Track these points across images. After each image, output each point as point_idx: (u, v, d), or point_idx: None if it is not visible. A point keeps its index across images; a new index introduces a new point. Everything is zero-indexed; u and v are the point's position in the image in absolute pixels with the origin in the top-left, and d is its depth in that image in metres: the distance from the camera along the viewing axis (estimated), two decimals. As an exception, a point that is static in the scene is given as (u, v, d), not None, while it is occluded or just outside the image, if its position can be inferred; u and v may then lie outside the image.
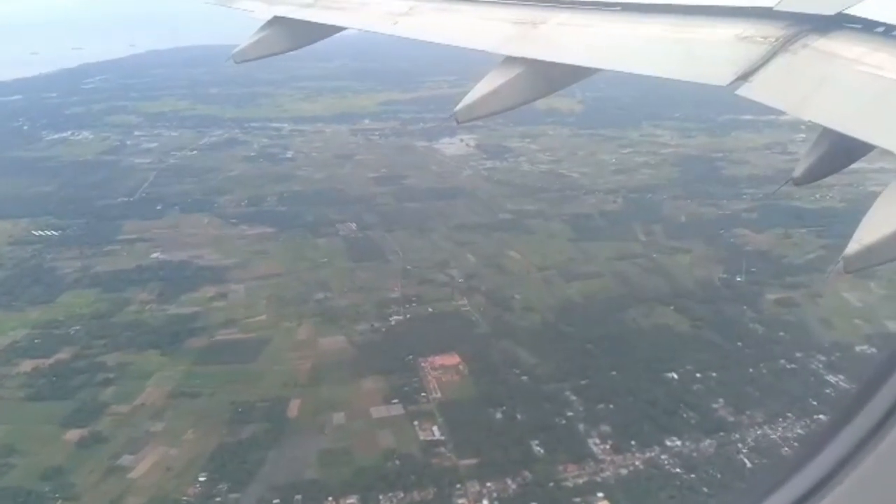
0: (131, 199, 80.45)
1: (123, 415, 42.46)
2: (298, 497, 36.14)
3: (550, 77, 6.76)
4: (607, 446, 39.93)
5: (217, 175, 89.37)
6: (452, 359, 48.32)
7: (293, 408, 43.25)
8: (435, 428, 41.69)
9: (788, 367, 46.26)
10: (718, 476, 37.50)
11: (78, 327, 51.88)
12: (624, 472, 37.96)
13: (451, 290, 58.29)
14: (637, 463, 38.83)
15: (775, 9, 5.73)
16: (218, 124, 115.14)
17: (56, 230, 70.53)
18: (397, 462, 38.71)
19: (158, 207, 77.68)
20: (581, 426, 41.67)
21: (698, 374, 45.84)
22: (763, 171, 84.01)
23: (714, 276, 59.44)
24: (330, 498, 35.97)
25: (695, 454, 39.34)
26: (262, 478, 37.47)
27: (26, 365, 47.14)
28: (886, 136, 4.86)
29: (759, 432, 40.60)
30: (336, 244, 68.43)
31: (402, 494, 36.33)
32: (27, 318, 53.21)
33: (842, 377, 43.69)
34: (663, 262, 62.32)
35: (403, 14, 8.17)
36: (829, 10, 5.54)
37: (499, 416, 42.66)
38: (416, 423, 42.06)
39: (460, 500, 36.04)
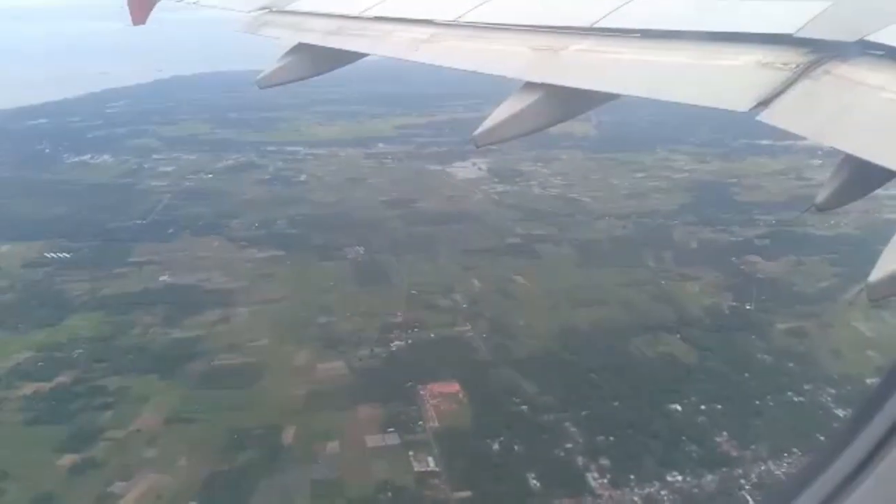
0: (144, 222, 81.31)
1: (118, 440, 42.37)
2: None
3: (570, 102, 6.88)
4: (605, 480, 39.07)
5: (230, 198, 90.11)
6: (452, 386, 47.76)
7: (288, 435, 42.88)
8: (430, 458, 41.08)
9: (796, 399, 45.12)
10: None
11: (81, 350, 52.17)
12: (621, 508, 37.03)
13: (455, 315, 57.82)
14: (636, 498, 38.01)
15: (795, 35, 5.72)
16: (235, 148, 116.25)
17: (68, 252, 71.36)
18: (389, 494, 38.14)
19: (170, 230, 78.37)
20: (580, 459, 40.82)
21: (703, 406, 44.85)
22: (777, 197, 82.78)
23: (723, 304, 58.34)
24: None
25: (696, 490, 38.40)
26: (251, 507, 37.06)
27: (27, 388, 47.43)
28: None
29: (762, 468, 39.51)
30: (343, 268, 68.41)
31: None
32: (32, 340, 53.64)
33: (851, 411, 42.28)
34: (671, 289, 61.35)
35: (425, 41, 8.32)
36: (851, 37, 5.49)
37: (496, 446, 41.96)
38: (411, 453, 41.48)
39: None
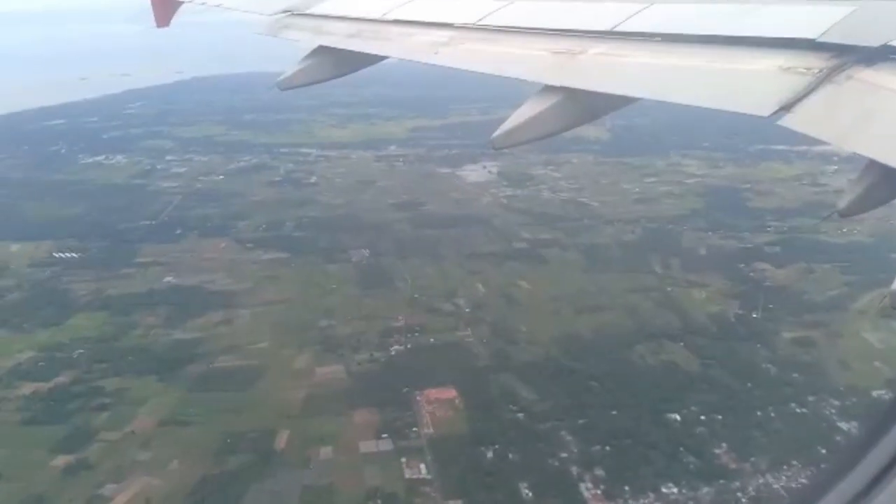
0: (153, 223, 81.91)
1: (113, 442, 42.51)
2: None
3: (589, 105, 6.93)
4: (599, 491, 38.41)
5: (240, 200, 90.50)
6: (449, 392, 47.34)
7: (281, 439, 42.75)
8: (423, 465, 40.69)
9: (799, 411, 44.08)
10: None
11: (82, 351, 52.54)
12: (613, 520, 36.42)
13: (457, 320, 57.39)
14: (628, 510, 37.19)
15: (818, 40, 5.72)
16: (248, 150, 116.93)
17: (76, 252, 72.08)
18: (379, 502, 37.76)
19: (178, 231, 78.86)
20: (574, 469, 40.19)
21: (703, 417, 44.02)
22: (791, 203, 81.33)
23: (729, 312, 57.28)
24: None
25: (691, 502, 37.47)
26: (240, 512, 36.94)
27: (26, 388, 47.84)
28: None
29: (760, 481, 38.62)
30: (347, 271, 68.31)
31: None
32: (35, 340, 54.15)
33: (854, 424, 41.22)
34: (678, 296, 60.38)
35: (444, 44, 8.41)
36: (874, 42, 5.47)
37: (490, 454, 41.43)
38: (403, 459, 41.15)
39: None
